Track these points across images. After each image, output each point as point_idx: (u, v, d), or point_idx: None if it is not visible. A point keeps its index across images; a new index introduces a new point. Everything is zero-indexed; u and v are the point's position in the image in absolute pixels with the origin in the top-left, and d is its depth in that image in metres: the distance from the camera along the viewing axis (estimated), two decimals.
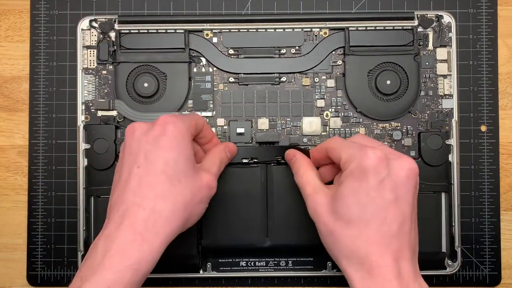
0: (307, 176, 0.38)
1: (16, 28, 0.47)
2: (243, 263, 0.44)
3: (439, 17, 0.45)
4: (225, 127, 0.45)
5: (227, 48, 0.45)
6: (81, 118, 0.44)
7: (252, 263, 0.44)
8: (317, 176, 0.38)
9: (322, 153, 0.38)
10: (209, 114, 0.45)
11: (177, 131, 0.35)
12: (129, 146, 0.35)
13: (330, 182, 0.39)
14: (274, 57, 0.45)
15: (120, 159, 0.36)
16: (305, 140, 0.45)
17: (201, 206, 0.36)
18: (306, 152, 0.40)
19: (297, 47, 0.45)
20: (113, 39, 0.45)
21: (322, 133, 0.45)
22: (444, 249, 0.44)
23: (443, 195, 0.44)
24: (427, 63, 0.45)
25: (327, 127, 0.45)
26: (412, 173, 0.34)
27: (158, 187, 0.33)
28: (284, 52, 0.45)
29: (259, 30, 0.45)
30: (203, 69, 0.45)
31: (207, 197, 0.37)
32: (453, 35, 0.45)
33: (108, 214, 0.35)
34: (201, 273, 0.44)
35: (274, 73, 0.45)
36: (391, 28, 0.44)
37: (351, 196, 0.33)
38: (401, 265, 0.33)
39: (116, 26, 0.44)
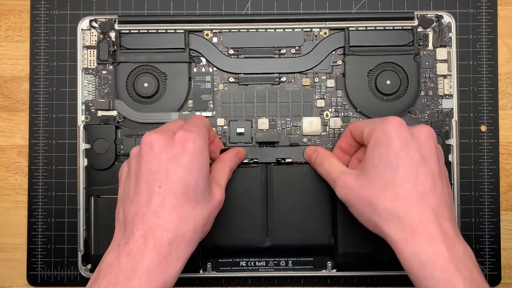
0: (331, 163, 0.40)
1: (16, 28, 0.47)
2: (243, 263, 0.44)
3: (439, 17, 0.45)
4: (225, 127, 0.45)
5: (227, 48, 0.45)
6: (81, 118, 0.44)
7: (252, 263, 0.44)
8: (340, 163, 0.39)
9: (347, 137, 0.40)
10: (209, 114, 0.45)
11: (197, 148, 0.35)
12: (147, 160, 0.35)
13: None
14: (274, 57, 0.45)
15: (134, 169, 0.36)
16: (305, 140, 0.45)
17: (212, 222, 0.37)
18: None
19: (297, 47, 0.45)
20: (113, 39, 0.45)
21: (322, 133, 0.45)
22: None
23: None
24: (427, 63, 0.45)
25: (327, 127, 0.45)
26: (431, 135, 0.36)
27: (180, 210, 0.34)
28: (284, 52, 0.45)
29: (259, 30, 0.45)
30: (203, 69, 0.45)
31: (217, 212, 0.37)
32: (453, 35, 0.45)
33: (121, 225, 0.35)
34: (201, 273, 0.44)
35: (274, 73, 0.45)
36: (391, 28, 0.44)
37: (381, 162, 0.35)
38: (442, 223, 0.33)
39: (116, 26, 0.44)
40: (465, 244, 0.34)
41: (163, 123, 0.44)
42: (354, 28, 0.44)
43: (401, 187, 0.34)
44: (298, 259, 0.44)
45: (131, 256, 0.32)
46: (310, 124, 0.45)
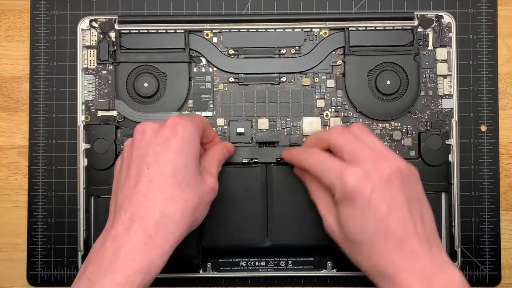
0: (318, 194, 0.38)
1: (16, 28, 0.47)
2: (243, 263, 0.44)
3: (439, 17, 0.45)
4: (225, 127, 0.45)
5: (227, 48, 0.45)
6: (81, 118, 0.44)
7: (252, 263, 0.44)
8: (326, 194, 0.37)
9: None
10: (209, 114, 0.45)
11: (187, 133, 0.35)
12: (138, 146, 0.35)
13: None
14: (274, 57, 0.45)
15: (127, 158, 0.36)
16: (305, 140, 0.45)
17: (206, 209, 0.37)
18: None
19: (297, 47, 0.45)
20: (113, 39, 0.45)
21: None
22: (444, 249, 0.44)
23: (443, 195, 0.44)
24: (427, 63, 0.45)
25: (327, 127, 0.45)
26: (394, 175, 0.34)
27: (168, 191, 0.33)
28: (284, 52, 0.45)
29: (259, 30, 0.45)
30: (203, 69, 0.45)
31: (211, 199, 0.37)
32: (453, 35, 0.45)
33: (112, 213, 0.35)
34: (201, 273, 0.44)
35: (274, 73, 0.45)
36: (391, 28, 0.44)
37: (349, 222, 0.34)
38: (418, 264, 0.33)
39: (116, 26, 0.44)
40: (449, 277, 0.33)
41: None
42: (354, 28, 0.44)
43: (373, 244, 0.33)
44: (298, 259, 0.44)
45: (116, 239, 0.32)
46: (310, 124, 0.45)
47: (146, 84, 0.44)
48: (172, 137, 0.34)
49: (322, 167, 0.36)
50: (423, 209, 0.35)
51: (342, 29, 0.45)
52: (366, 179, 0.33)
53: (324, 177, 0.35)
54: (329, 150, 0.37)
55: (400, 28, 0.44)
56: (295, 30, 0.45)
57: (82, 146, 0.44)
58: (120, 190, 0.35)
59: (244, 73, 0.45)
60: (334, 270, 0.44)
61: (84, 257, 0.44)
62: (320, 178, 0.36)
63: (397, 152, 0.44)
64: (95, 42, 0.45)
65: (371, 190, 0.33)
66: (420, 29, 0.45)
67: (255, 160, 0.43)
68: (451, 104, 0.45)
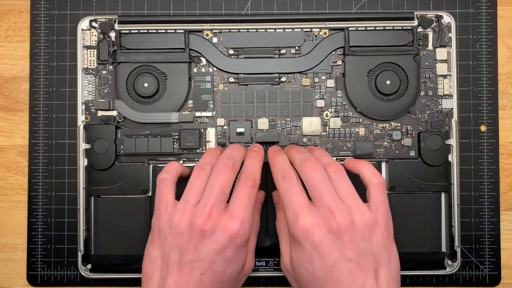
0: (282, 232, 0.39)
1: (16, 28, 0.47)
2: None
3: (439, 17, 0.45)
4: (225, 127, 0.45)
5: (227, 48, 0.45)
6: (81, 118, 0.44)
7: None
8: (287, 236, 0.38)
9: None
10: (209, 114, 0.45)
11: (244, 241, 0.36)
12: (182, 240, 0.36)
13: None
14: (274, 57, 0.45)
15: (164, 238, 0.36)
16: (305, 140, 0.45)
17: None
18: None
19: (297, 47, 0.45)
20: (113, 39, 0.45)
21: (322, 133, 0.45)
22: (444, 249, 0.44)
23: (443, 195, 0.44)
24: (427, 63, 0.45)
25: (327, 127, 0.45)
26: (344, 229, 0.34)
27: None
28: (284, 52, 0.45)
29: (259, 30, 0.45)
30: (203, 69, 0.45)
31: (246, 277, 0.39)
32: (453, 35, 0.45)
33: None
34: None
35: (274, 73, 0.45)
36: (391, 28, 0.44)
37: (300, 264, 0.35)
38: None
39: (116, 26, 0.44)
40: None
41: (163, 123, 0.44)
42: (354, 28, 0.44)
43: None
44: None
45: None
46: (310, 124, 0.45)
47: (146, 84, 0.44)
48: (228, 246, 0.35)
49: (287, 200, 0.36)
50: (379, 263, 0.35)
51: (342, 29, 0.45)
52: (318, 227, 0.34)
53: (285, 210, 0.36)
54: None
55: (400, 28, 0.44)
56: (295, 30, 0.45)
57: (82, 146, 0.44)
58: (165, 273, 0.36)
59: (244, 73, 0.45)
60: None
61: (84, 257, 0.44)
62: (284, 208, 0.37)
63: (397, 152, 0.44)
64: (95, 42, 0.45)
65: (320, 238, 0.34)
66: (420, 29, 0.45)
67: None
68: (451, 104, 0.45)
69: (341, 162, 0.40)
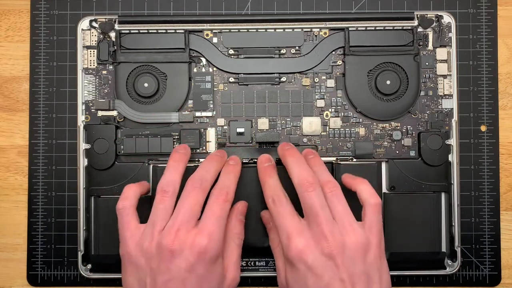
0: (276, 251, 0.40)
1: (16, 28, 0.47)
2: (243, 263, 0.44)
3: (439, 17, 0.45)
4: (225, 127, 0.45)
5: (227, 48, 0.45)
6: (81, 118, 0.44)
7: (252, 263, 0.44)
8: (281, 254, 0.39)
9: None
10: (209, 114, 0.45)
11: (214, 256, 0.36)
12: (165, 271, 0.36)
13: None
14: (274, 57, 0.45)
15: (136, 263, 0.36)
16: (305, 140, 0.45)
17: None
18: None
19: (297, 47, 0.45)
20: (113, 39, 0.45)
21: (322, 133, 0.45)
22: (444, 249, 0.44)
23: (443, 195, 0.44)
24: (427, 63, 0.45)
25: (327, 127, 0.45)
26: (336, 251, 0.35)
27: None
28: (284, 52, 0.45)
29: (259, 30, 0.45)
30: (203, 69, 0.45)
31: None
32: (453, 35, 0.45)
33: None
34: None
35: (274, 73, 0.45)
36: (391, 28, 0.44)
37: (294, 285, 0.36)
38: None
39: (116, 26, 0.44)
40: None
41: (163, 123, 0.44)
42: (354, 28, 0.44)
43: None
44: None
45: None
46: (310, 124, 0.45)
47: (146, 84, 0.44)
48: (198, 263, 0.35)
49: (279, 223, 0.37)
50: (372, 282, 0.35)
51: (342, 29, 0.45)
52: (311, 249, 0.35)
53: (279, 231, 0.37)
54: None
55: (400, 28, 0.44)
56: (295, 30, 0.45)
57: (82, 146, 0.44)
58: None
59: (244, 73, 0.45)
60: None
61: (84, 257, 0.44)
62: (277, 229, 0.37)
63: (397, 152, 0.44)
64: (95, 42, 0.45)
65: (313, 260, 0.35)
66: (420, 29, 0.45)
67: (255, 160, 0.43)
68: (451, 104, 0.45)
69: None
